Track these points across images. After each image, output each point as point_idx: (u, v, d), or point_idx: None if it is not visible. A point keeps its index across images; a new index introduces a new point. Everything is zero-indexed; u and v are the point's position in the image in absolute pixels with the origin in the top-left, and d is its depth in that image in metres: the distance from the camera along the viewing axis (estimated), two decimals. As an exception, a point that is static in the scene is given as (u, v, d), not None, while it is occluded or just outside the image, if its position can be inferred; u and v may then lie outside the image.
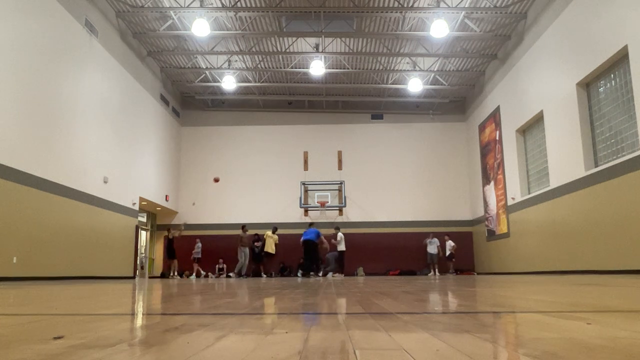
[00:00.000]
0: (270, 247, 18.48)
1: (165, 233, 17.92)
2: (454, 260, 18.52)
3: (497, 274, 15.27)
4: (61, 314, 2.08)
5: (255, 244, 19.11)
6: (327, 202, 20.63)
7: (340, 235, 16.38)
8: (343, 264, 16.62)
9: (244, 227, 17.02)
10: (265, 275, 18.57)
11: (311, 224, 16.52)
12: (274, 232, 18.66)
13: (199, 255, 18.92)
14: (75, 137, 12.60)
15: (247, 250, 16.45)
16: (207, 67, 18.44)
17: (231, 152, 21.34)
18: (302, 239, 15.66)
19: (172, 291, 4.56)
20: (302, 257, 19.37)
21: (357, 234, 19.67)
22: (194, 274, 18.49)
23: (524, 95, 14.85)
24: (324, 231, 17.98)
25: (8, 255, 9.92)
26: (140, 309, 2.48)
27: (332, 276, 15.57)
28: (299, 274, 15.92)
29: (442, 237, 18.80)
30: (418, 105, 21.47)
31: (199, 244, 19.17)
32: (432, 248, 18.46)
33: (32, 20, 10.79)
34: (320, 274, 15.81)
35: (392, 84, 19.67)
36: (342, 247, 16.43)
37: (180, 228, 18.76)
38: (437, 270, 18.21)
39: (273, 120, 21.67)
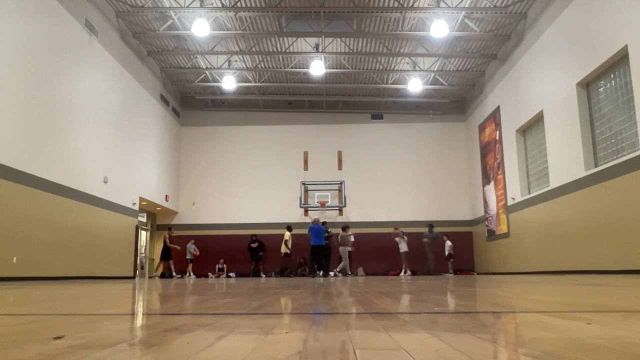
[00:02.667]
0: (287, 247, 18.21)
1: (165, 233, 17.85)
2: (452, 260, 18.41)
3: (497, 274, 15.27)
4: (61, 314, 2.08)
5: (252, 244, 19.06)
6: (327, 202, 20.63)
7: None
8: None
9: (344, 227, 17.13)
10: (264, 275, 18.57)
11: (315, 221, 16.04)
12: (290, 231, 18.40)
13: (190, 257, 18.60)
14: (75, 137, 12.60)
15: (347, 249, 16.71)
16: (207, 67, 18.44)
17: (231, 152, 21.35)
18: (311, 243, 15.49)
19: (172, 291, 4.56)
20: (303, 258, 19.29)
21: (357, 234, 19.65)
22: (189, 274, 18.34)
23: (524, 95, 14.85)
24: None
25: (8, 255, 9.92)
26: (140, 309, 2.48)
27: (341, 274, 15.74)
28: (318, 275, 15.45)
29: (441, 237, 18.73)
30: (418, 105, 21.48)
31: (189, 245, 18.82)
32: (402, 246, 17.65)
33: (32, 20, 10.79)
34: (340, 272, 15.86)
35: (392, 84, 19.67)
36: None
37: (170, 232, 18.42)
38: (407, 269, 17.51)
39: (273, 120, 21.67)
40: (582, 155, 11.39)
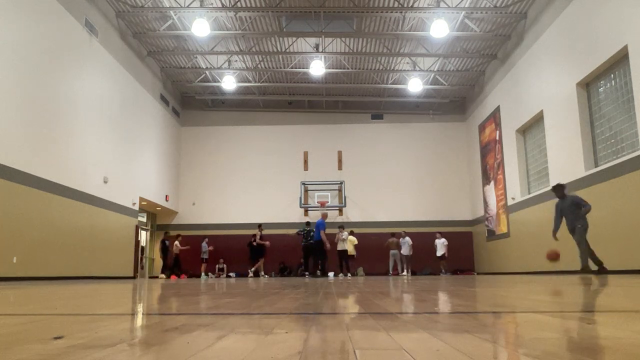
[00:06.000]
0: (351, 249, 17.80)
1: (257, 231, 17.38)
2: (444, 260, 17.88)
3: (497, 274, 15.26)
4: (61, 314, 2.08)
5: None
6: (327, 202, 20.63)
7: (345, 234, 16.39)
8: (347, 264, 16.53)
9: (394, 234, 18.16)
10: (265, 276, 18.55)
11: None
12: (351, 234, 17.85)
13: (206, 256, 18.67)
14: (75, 137, 12.61)
15: (396, 252, 17.85)
16: (207, 67, 18.44)
17: (231, 152, 21.35)
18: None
19: (170, 291, 4.56)
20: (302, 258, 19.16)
21: (357, 234, 19.65)
22: (202, 274, 18.42)
23: (524, 95, 14.85)
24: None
25: (8, 255, 9.92)
26: (140, 309, 2.48)
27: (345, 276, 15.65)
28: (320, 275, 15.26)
29: (433, 236, 18.59)
30: (418, 105, 21.48)
31: (204, 244, 18.98)
32: (405, 249, 17.74)
33: (32, 20, 10.79)
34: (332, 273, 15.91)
35: (392, 84, 19.68)
36: (342, 246, 16.36)
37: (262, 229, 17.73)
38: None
39: (273, 120, 21.68)
40: (582, 155, 11.38)
